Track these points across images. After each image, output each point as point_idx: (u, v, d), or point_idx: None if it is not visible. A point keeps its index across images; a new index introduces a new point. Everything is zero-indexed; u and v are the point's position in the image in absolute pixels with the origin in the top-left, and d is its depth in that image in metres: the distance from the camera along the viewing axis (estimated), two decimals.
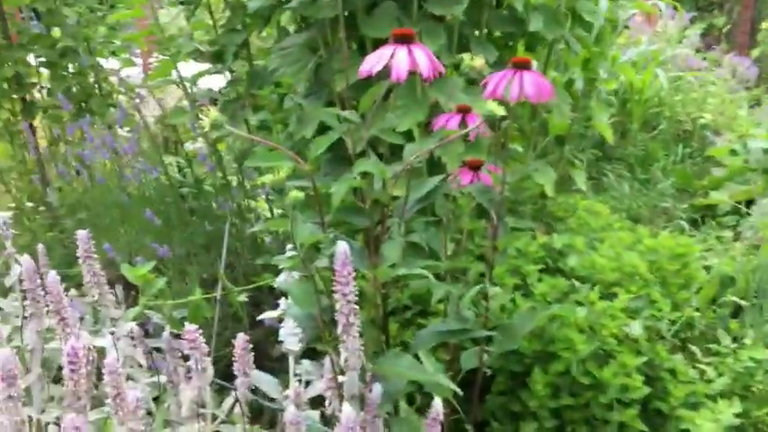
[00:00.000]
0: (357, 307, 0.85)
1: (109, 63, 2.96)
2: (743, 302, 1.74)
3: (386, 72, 0.90)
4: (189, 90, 1.87)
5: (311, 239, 0.86)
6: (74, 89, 2.61)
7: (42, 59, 2.57)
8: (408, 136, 1.23)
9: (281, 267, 0.87)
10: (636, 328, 1.40)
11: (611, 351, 1.35)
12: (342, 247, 0.83)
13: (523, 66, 0.99)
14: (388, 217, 0.97)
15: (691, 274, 1.63)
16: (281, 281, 1.03)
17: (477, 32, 1.53)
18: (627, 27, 3.57)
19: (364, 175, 0.89)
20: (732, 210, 2.55)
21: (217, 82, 2.06)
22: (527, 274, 1.44)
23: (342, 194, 0.87)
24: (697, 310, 1.73)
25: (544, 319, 1.25)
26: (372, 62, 0.89)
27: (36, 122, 2.70)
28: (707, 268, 2.01)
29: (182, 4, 2.06)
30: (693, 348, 1.56)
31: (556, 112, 1.60)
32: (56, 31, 2.55)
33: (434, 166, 1.51)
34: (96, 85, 2.68)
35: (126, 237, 1.73)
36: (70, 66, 2.66)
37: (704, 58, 3.95)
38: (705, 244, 2.47)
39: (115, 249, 1.59)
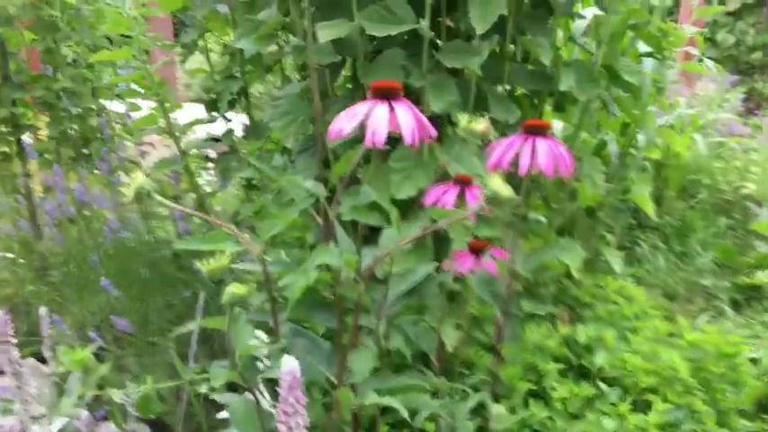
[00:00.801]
0: None
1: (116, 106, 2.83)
2: None
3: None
4: (178, 140, 1.70)
5: (250, 350, 0.65)
6: (71, 132, 2.47)
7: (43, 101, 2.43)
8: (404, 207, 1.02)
9: (213, 384, 0.67)
10: None
11: None
12: (288, 366, 0.62)
13: (538, 131, 0.78)
14: (363, 314, 0.76)
15: (740, 378, 1.38)
16: (224, 397, 0.81)
17: (499, 88, 1.34)
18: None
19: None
20: None
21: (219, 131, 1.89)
22: (544, 375, 1.20)
23: (299, 289, 0.66)
24: (743, 415, 1.48)
25: None
26: (343, 121, 0.69)
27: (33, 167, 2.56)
28: (753, 361, 1.76)
29: (182, 47, 1.91)
30: None
31: (588, 182, 1.39)
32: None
33: (442, 238, 1.30)
34: (99, 130, 2.54)
35: (89, 305, 1.54)
36: (73, 109, 2.53)
37: (746, 124, 3.72)
38: (749, 330, 2.21)
39: (76, 320, 1.39)
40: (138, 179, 0.69)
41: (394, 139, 1.23)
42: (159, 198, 0.69)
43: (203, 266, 0.67)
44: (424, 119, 0.72)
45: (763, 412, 1.48)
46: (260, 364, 0.74)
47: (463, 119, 0.75)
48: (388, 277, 0.76)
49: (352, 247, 0.76)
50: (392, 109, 0.70)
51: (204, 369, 0.84)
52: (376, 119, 0.68)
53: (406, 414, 0.64)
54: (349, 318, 0.75)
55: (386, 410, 1.20)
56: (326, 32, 1.06)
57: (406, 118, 0.69)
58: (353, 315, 0.72)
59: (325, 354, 0.79)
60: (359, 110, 0.70)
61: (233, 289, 0.64)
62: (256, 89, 3.77)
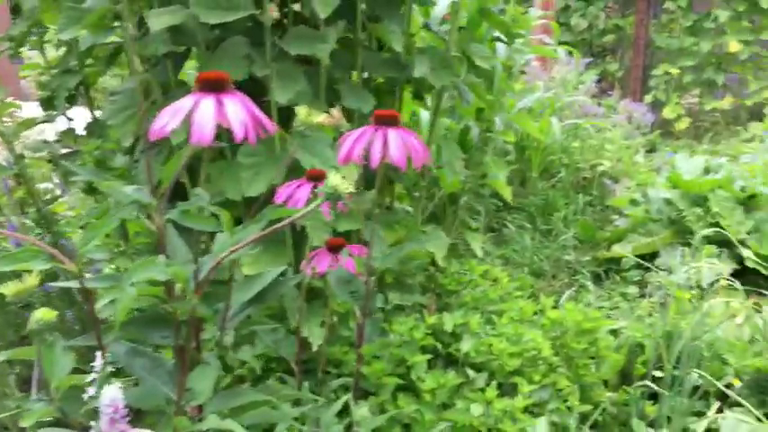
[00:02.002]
0: None
1: None
2: (658, 373, 1.55)
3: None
4: (11, 143, 1.54)
5: (69, 381, 0.58)
6: None
7: None
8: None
9: (24, 422, 0.58)
10: (541, 429, 1.17)
11: None
12: (109, 395, 0.55)
13: (389, 121, 0.75)
14: (208, 326, 0.70)
15: (600, 352, 1.42)
16: None
17: (354, 77, 1.30)
18: (524, 72, 3.48)
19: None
20: (636, 264, 2.41)
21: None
22: (412, 367, 1.18)
23: (123, 307, 0.59)
24: (606, 385, 1.54)
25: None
26: (166, 118, 0.62)
27: None
28: (614, 332, 1.83)
29: (10, 41, 1.74)
30: None
31: (448, 169, 1.38)
32: None
33: (301, 235, 1.25)
34: None
35: None
36: None
37: (600, 104, 3.91)
38: (610, 302, 2.32)
39: None
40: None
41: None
42: None
43: (6, 289, 0.58)
44: (259, 112, 0.67)
45: (626, 383, 1.54)
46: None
47: (302, 111, 0.70)
48: (229, 287, 0.70)
49: (188, 255, 0.69)
50: (221, 103, 0.64)
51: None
52: (201, 114, 0.62)
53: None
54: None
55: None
56: (159, 20, 0.98)
57: (237, 112, 0.63)
58: (189, 330, 0.66)
59: (169, 372, 0.72)
60: (183, 105, 0.64)
61: (40, 314, 0.56)
62: (110, 84, 3.55)
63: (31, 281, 0.59)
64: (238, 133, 0.63)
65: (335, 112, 0.82)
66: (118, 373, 0.69)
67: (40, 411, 0.57)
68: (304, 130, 0.69)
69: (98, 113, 1.59)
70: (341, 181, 0.62)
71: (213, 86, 0.65)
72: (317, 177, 0.85)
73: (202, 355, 0.70)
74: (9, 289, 0.59)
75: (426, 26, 1.36)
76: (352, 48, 1.28)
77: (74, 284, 0.63)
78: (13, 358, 1.26)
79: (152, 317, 0.71)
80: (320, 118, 0.72)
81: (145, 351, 0.72)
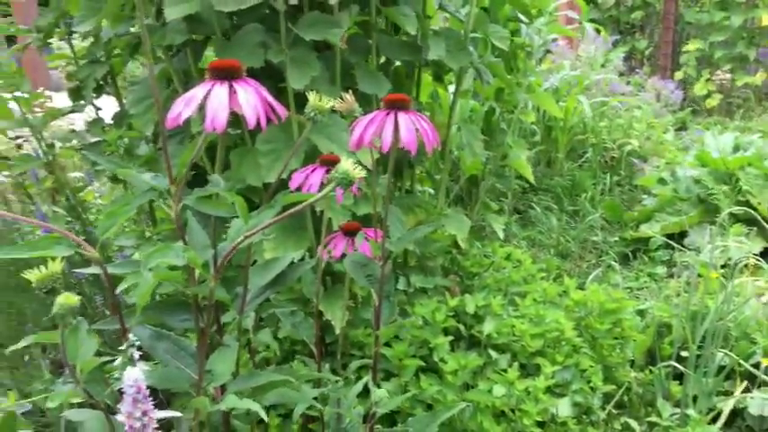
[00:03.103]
0: None
1: None
2: (684, 353, 1.54)
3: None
4: (39, 133, 1.58)
5: (92, 363, 0.60)
6: None
7: None
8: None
9: (50, 404, 0.61)
10: (564, 409, 1.17)
11: None
12: (132, 376, 0.57)
13: (399, 105, 0.75)
14: (224, 311, 0.71)
15: (624, 332, 1.42)
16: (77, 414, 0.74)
17: (369, 61, 1.30)
18: (549, 52, 3.44)
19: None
20: (664, 243, 2.38)
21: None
22: (434, 348, 1.19)
23: (144, 294, 0.61)
24: (633, 366, 1.53)
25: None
26: (180, 106, 0.64)
27: None
28: (641, 312, 1.82)
29: (38, 32, 1.77)
30: (631, 422, 1.35)
31: (468, 151, 1.38)
32: None
33: (321, 221, 1.27)
34: None
35: None
36: None
37: (628, 83, 3.85)
38: (637, 282, 2.30)
39: None
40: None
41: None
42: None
43: (30, 276, 0.60)
44: (271, 98, 0.67)
45: (653, 363, 1.53)
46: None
47: (312, 96, 0.71)
48: (246, 272, 0.72)
49: (206, 241, 0.70)
50: (234, 90, 0.65)
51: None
52: (214, 102, 0.63)
53: (265, 417, 0.60)
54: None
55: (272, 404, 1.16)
56: (174, 9, 0.99)
57: (249, 98, 0.64)
58: (207, 313, 0.67)
59: (193, 355, 0.73)
60: (197, 93, 0.65)
61: (63, 299, 0.58)
62: (139, 72, 3.59)
63: (54, 267, 0.61)
64: (251, 119, 0.64)
65: (348, 97, 0.83)
66: (147, 358, 0.71)
67: (65, 393, 0.60)
68: (318, 115, 0.69)
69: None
70: (352, 166, 0.63)
71: (225, 74, 0.66)
72: (331, 162, 0.86)
73: (223, 338, 0.72)
74: (33, 275, 0.61)
75: (442, 7, 1.35)
76: (367, 32, 1.28)
77: (96, 270, 0.65)
78: (46, 342, 1.30)
79: (173, 301, 0.72)
80: (333, 103, 0.73)
81: (168, 335, 0.74)
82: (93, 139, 1.68)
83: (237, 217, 0.71)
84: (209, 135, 0.67)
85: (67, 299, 0.59)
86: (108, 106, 1.72)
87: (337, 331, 1.22)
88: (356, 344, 1.26)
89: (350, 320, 1.23)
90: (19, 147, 3.21)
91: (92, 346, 0.61)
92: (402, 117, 0.72)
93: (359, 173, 0.63)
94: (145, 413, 0.59)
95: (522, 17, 1.43)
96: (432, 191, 1.68)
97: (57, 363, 1.40)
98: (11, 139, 3.12)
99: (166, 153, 0.72)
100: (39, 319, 1.54)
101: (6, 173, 2.42)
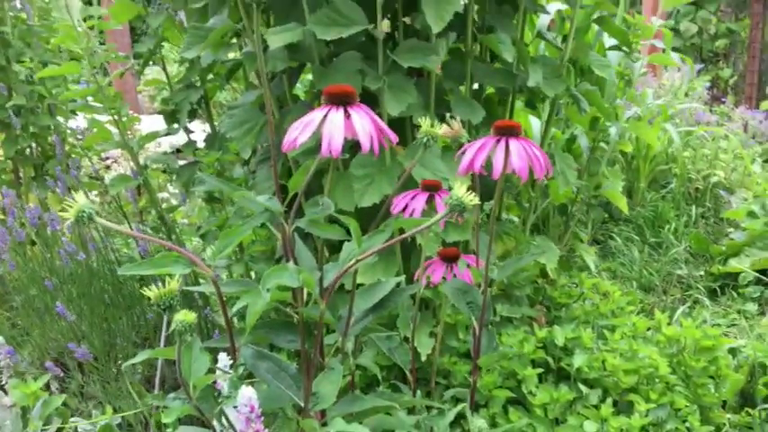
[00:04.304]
0: None
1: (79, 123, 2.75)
2: None
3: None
4: (135, 154, 1.64)
5: (205, 380, 0.61)
6: (28, 152, 2.39)
7: None
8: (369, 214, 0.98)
9: (165, 419, 0.62)
10: None
11: None
12: (246, 395, 0.58)
13: (510, 131, 0.75)
14: (328, 333, 0.72)
15: (720, 371, 1.35)
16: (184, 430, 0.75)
17: (462, 88, 1.31)
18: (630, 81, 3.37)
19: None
20: (755, 279, 2.28)
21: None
22: (523, 380, 1.17)
23: (256, 312, 0.61)
24: (725, 407, 1.46)
25: None
26: (297, 131, 0.65)
27: None
28: (731, 351, 1.74)
29: (136, 57, 1.85)
30: None
31: (561, 180, 1.35)
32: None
33: (410, 246, 1.26)
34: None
35: (50, 332, 1.47)
36: (31, 127, 2.44)
37: (712, 112, 3.73)
38: (726, 319, 2.21)
39: (38, 347, 1.32)
40: (79, 202, 0.64)
41: (355, 146, 1.19)
42: (101, 221, 0.64)
43: (150, 293, 0.62)
44: (383, 123, 0.68)
45: (746, 405, 1.46)
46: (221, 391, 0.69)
47: (424, 122, 0.71)
48: (352, 294, 0.72)
49: (312, 263, 0.71)
50: (348, 115, 0.66)
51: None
52: (331, 126, 0.64)
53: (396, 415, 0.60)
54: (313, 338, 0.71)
55: None
56: (277, 38, 1.01)
57: (363, 123, 0.65)
58: (316, 335, 0.68)
59: (292, 376, 0.74)
60: (313, 118, 0.66)
61: (181, 316, 0.60)
62: (224, 98, 3.71)
63: (173, 285, 0.63)
64: (365, 144, 0.64)
65: (455, 123, 0.83)
66: (248, 377, 0.72)
67: (180, 409, 0.61)
68: (430, 141, 0.69)
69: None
70: (465, 192, 0.62)
71: (341, 100, 0.67)
72: (433, 188, 0.86)
73: (326, 361, 0.72)
74: (152, 292, 0.63)
75: (540, 35, 1.34)
76: (462, 59, 1.28)
77: (209, 289, 0.67)
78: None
79: (279, 322, 0.73)
80: (446, 129, 0.73)
81: (270, 355, 0.74)
82: (182, 162, 1.74)
83: (346, 240, 0.71)
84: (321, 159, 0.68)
85: (186, 316, 0.61)
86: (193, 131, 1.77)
87: (423, 358, 1.21)
88: (441, 371, 1.25)
89: (437, 348, 1.22)
90: (107, 167, 3.35)
91: (204, 363, 0.62)
92: (513, 143, 0.72)
93: (473, 199, 0.62)
94: None
95: (618, 44, 1.40)
96: (515, 218, 1.65)
97: (147, 379, 1.44)
98: (101, 159, 3.26)
99: (276, 175, 0.73)
100: (128, 336, 1.59)
101: (95, 192, 2.52)
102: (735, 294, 2.32)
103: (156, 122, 2.30)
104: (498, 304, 1.38)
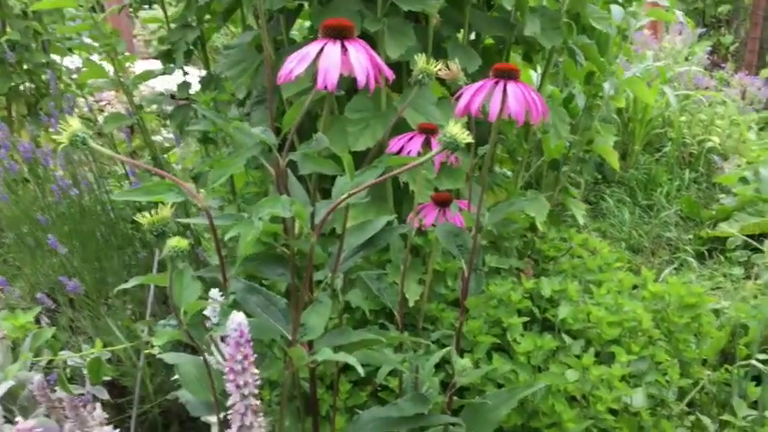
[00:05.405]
0: (257, 402, 0.61)
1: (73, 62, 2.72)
2: (761, 356, 1.49)
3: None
4: (131, 94, 1.63)
5: (196, 306, 0.62)
6: (22, 88, 2.37)
7: None
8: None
9: (155, 344, 0.63)
10: (638, 400, 1.15)
11: (608, 428, 1.11)
12: (236, 320, 0.59)
13: (508, 75, 0.74)
14: (319, 269, 0.73)
15: (702, 328, 1.38)
16: (173, 357, 0.76)
17: (460, 36, 1.30)
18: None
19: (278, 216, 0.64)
20: (743, 244, 2.31)
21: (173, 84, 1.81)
22: (508, 328, 1.19)
23: (248, 242, 0.62)
24: (705, 364, 1.49)
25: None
26: (293, 63, 0.65)
27: None
28: (716, 312, 1.77)
29: None
30: (704, 419, 1.32)
31: (553, 133, 1.35)
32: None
33: (403, 193, 1.27)
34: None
35: (42, 267, 1.48)
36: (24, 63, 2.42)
37: (712, 77, 3.72)
38: (712, 281, 2.24)
39: (29, 282, 1.33)
40: (73, 126, 0.64)
41: (350, 89, 1.18)
42: (95, 146, 0.64)
43: (143, 219, 0.62)
44: (380, 60, 0.68)
45: (726, 362, 1.49)
46: (211, 322, 0.70)
47: (420, 59, 0.71)
48: (343, 231, 0.73)
49: (305, 198, 0.72)
50: (345, 49, 0.66)
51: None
52: (327, 59, 0.64)
53: (361, 370, 0.61)
54: (305, 272, 0.72)
55: (348, 368, 1.17)
56: None
57: (360, 58, 0.65)
58: (306, 269, 0.69)
59: (282, 310, 0.75)
60: (310, 50, 0.66)
61: (174, 242, 0.60)
62: (221, 43, 3.66)
63: (165, 212, 0.63)
64: (361, 79, 0.64)
65: (453, 65, 0.82)
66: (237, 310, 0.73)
67: (170, 333, 0.62)
68: (426, 78, 0.69)
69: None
70: (460, 130, 0.62)
71: (338, 33, 0.66)
72: (429, 130, 0.86)
73: (315, 295, 0.73)
74: (145, 219, 0.63)
75: None
76: (460, 6, 1.27)
77: (201, 220, 0.67)
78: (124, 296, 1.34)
79: (271, 255, 0.74)
80: (445, 71, 0.73)
81: (260, 289, 0.75)
82: (178, 103, 1.73)
83: (336, 176, 0.72)
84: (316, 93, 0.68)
85: (178, 242, 0.61)
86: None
87: (411, 304, 1.23)
88: (429, 318, 1.27)
89: (422, 294, 1.24)
90: (101, 110, 3.32)
91: (196, 290, 0.63)
92: (511, 86, 0.72)
93: (466, 137, 0.63)
94: (245, 357, 0.61)
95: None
96: (509, 172, 1.66)
97: (137, 315, 1.46)
98: (94, 101, 3.23)
99: (272, 111, 0.73)
100: (120, 275, 1.60)
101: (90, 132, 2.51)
102: (722, 258, 2.34)
103: (151, 66, 2.27)
104: (487, 255, 1.40)
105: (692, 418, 1.36)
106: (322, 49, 0.65)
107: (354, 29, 0.66)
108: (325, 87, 0.64)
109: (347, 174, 0.63)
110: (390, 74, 0.68)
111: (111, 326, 1.26)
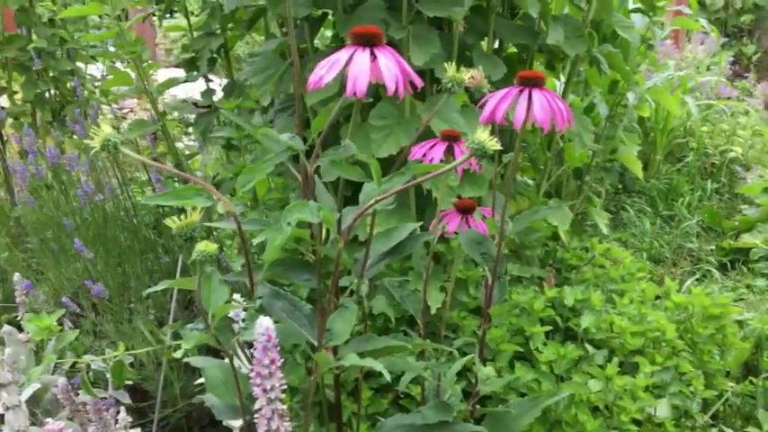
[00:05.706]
0: (284, 407, 0.61)
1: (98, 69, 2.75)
2: None
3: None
4: (155, 101, 1.64)
5: (224, 310, 0.62)
6: (47, 95, 2.40)
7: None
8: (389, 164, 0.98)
9: (184, 347, 0.63)
10: (662, 411, 1.14)
11: None
12: (263, 326, 0.59)
13: (533, 82, 0.74)
14: (344, 275, 0.73)
15: (727, 339, 1.36)
16: (199, 360, 0.77)
17: (484, 44, 1.30)
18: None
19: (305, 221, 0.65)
20: (766, 255, 2.28)
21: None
22: (530, 337, 1.18)
23: (275, 247, 0.62)
24: (728, 376, 1.47)
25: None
26: (323, 70, 0.65)
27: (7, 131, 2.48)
28: (739, 323, 1.75)
29: (157, 3, 1.84)
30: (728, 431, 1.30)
31: (577, 141, 1.35)
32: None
33: (425, 200, 1.27)
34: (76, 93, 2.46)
35: (66, 272, 1.49)
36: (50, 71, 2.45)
37: (734, 87, 3.69)
38: (735, 293, 2.21)
39: (53, 286, 1.34)
40: (105, 131, 0.64)
41: (375, 96, 1.19)
42: (126, 150, 0.64)
43: (171, 223, 0.63)
44: (408, 67, 0.68)
45: (750, 375, 1.48)
46: (236, 327, 0.71)
47: (451, 67, 0.71)
48: (369, 237, 0.73)
49: (332, 203, 0.72)
50: (374, 56, 0.66)
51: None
52: (357, 66, 0.64)
53: (388, 376, 0.61)
54: (329, 278, 0.72)
55: (370, 375, 1.17)
56: None
57: (389, 65, 0.65)
58: (333, 275, 0.69)
59: (306, 316, 0.75)
60: (339, 57, 0.66)
61: (202, 247, 0.61)
62: (242, 50, 3.68)
63: (194, 216, 0.64)
64: (390, 86, 0.64)
65: (477, 73, 0.82)
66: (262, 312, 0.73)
67: (199, 337, 0.62)
68: (455, 87, 0.69)
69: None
70: (487, 137, 0.62)
71: (367, 40, 0.66)
72: (452, 138, 0.86)
73: (341, 301, 0.73)
74: (174, 223, 0.64)
75: None
76: (484, 14, 1.27)
77: (229, 225, 0.68)
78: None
79: (297, 260, 0.74)
80: (469, 77, 0.73)
81: (285, 294, 0.76)
82: (201, 110, 1.75)
83: (360, 183, 0.72)
84: (345, 100, 0.68)
85: (207, 246, 0.62)
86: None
87: (433, 311, 1.22)
88: (450, 326, 1.27)
89: (447, 302, 1.24)
90: (124, 117, 3.35)
91: (224, 294, 0.64)
92: (536, 94, 0.72)
93: (494, 144, 0.63)
94: (272, 361, 0.61)
95: (642, 7, 1.39)
96: (530, 181, 1.65)
97: (159, 322, 1.47)
98: (118, 109, 3.26)
99: (299, 117, 0.74)
100: (143, 280, 1.61)
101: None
102: (745, 269, 2.32)
103: (173, 74, 2.30)
104: (509, 263, 1.39)
105: (715, 430, 1.34)
106: (352, 56, 0.65)
107: (383, 36, 0.66)
108: (354, 94, 0.64)
109: (375, 180, 0.63)
110: (419, 81, 0.69)
111: (140, 327, 1.27)
